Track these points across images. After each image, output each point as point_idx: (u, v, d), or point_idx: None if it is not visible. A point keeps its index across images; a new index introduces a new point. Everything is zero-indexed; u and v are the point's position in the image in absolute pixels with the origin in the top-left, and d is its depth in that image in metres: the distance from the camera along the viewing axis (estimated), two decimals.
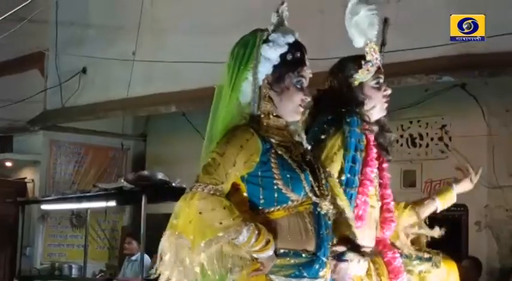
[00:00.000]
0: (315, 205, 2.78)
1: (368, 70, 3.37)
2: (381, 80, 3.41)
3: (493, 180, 7.38)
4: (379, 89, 3.41)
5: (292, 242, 2.72)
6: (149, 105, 8.78)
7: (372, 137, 3.42)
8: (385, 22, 2.84)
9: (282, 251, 2.69)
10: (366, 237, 3.34)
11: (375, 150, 3.42)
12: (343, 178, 3.24)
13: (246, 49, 2.80)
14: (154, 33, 8.67)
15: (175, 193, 8.26)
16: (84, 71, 9.50)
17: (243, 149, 2.72)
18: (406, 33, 6.30)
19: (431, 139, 7.98)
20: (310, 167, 2.82)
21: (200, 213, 2.61)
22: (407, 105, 7.61)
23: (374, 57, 3.37)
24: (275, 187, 2.73)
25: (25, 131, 10.13)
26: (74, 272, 9.38)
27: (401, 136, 7.93)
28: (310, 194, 2.77)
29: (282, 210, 2.73)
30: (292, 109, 2.85)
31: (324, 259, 2.77)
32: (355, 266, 3.20)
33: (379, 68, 3.40)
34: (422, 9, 6.73)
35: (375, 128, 3.42)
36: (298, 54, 2.83)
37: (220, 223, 2.58)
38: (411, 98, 7.57)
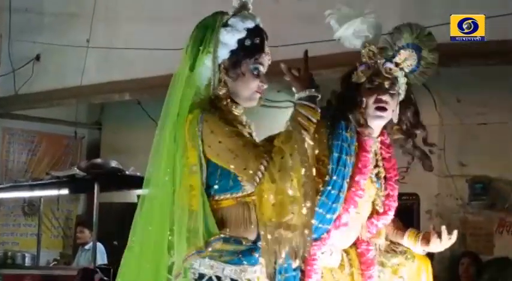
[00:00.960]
0: None
1: (362, 72, 3.34)
2: (376, 83, 3.31)
3: (443, 169, 7.49)
4: (371, 92, 3.31)
5: (234, 230, 2.70)
6: (103, 93, 8.73)
7: (370, 143, 3.36)
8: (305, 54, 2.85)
9: (222, 236, 2.67)
10: (346, 239, 3.39)
11: (370, 156, 3.35)
12: (327, 179, 3.20)
13: (206, 33, 2.77)
14: (108, 21, 8.60)
15: (129, 182, 8.37)
16: (37, 58, 9.39)
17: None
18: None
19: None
20: None
21: None
22: None
23: (371, 60, 3.34)
24: (231, 175, 2.70)
25: None
26: (27, 261, 9.29)
27: None
28: None
29: (230, 199, 2.72)
30: (248, 96, 2.83)
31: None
32: (328, 258, 3.25)
33: (377, 71, 3.33)
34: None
35: (371, 131, 3.33)
36: (257, 40, 2.79)
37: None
38: None
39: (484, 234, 7.40)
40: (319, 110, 2.68)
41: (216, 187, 2.72)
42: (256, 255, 2.75)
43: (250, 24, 2.79)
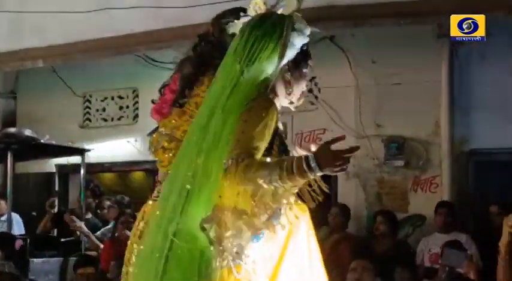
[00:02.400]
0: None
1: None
2: None
3: (360, 130, 7.60)
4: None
5: None
6: (16, 60, 8.50)
7: None
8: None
9: None
10: None
11: None
12: None
13: (275, 33, 2.87)
14: None
15: (44, 150, 8.22)
16: None
17: (273, 123, 2.82)
18: None
19: None
20: None
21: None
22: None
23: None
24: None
25: None
26: None
27: None
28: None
29: None
30: (297, 97, 3.03)
31: None
32: None
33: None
34: None
35: None
36: (307, 46, 2.99)
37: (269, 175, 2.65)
38: None
39: (400, 193, 7.53)
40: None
41: None
42: None
43: (308, 31, 2.96)
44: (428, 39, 7.37)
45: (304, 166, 2.61)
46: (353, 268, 5.42)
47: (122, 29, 7.51)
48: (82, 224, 7.80)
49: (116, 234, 7.25)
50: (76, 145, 8.46)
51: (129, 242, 3.48)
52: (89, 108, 9.65)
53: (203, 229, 2.73)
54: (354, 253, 6.60)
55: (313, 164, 2.60)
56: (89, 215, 8.51)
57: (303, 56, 2.98)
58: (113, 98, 9.51)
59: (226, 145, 2.76)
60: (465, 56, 7.45)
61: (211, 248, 2.74)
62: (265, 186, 2.65)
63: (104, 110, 9.56)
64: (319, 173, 2.65)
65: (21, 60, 8.49)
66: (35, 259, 7.50)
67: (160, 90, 3.55)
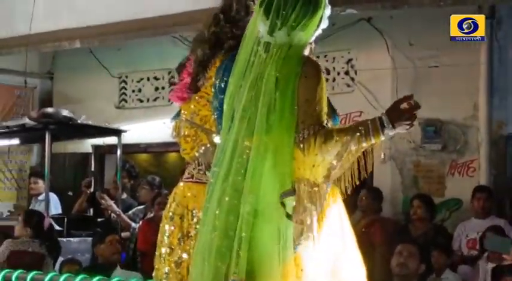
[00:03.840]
0: None
1: None
2: None
3: None
4: None
5: None
6: (53, 41, 8.55)
7: None
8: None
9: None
10: None
11: None
12: None
13: (317, 5, 2.83)
14: None
15: (81, 131, 8.29)
16: None
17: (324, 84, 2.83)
18: None
19: (338, 73, 8.05)
20: None
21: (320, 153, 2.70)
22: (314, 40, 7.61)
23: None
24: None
25: None
26: None
27: None
28: None
29: None
30: None
31: None
32: None
33: None
34: None
35: None
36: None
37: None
38: None
39: (436, 176, 7.46)
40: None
41: None
42: None
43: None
44: None
45: (379, 125, 2.70)
46: (398, 252, 5.37)
47: (159, 10, 7.51)
48: (112, 203, 7.85)
49: (152, 214, 7.29)
50: (112, 126, 8.49)
51: (161, 224, 3.48)
52: (125, 89, 9.70)
53: (282, 204, 2.72)
54: (389, 236, 6.59)
55: (386, 124, 2.70)
56: (124, 196, 8.56)
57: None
58: (148, 79, 9.54)
59: (292, 115, 2.74)
60: (505, 38, 7.34)
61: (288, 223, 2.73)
62: (352, 148, 2.70)
63: (139, 91, 9.60)
64: (393, 132, 2.75)
65: (58, 40, 8.54)
66: (71, 239, 7.58)
67: (177, 71, 3.51)
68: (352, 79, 7.89)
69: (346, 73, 7.99)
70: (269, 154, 2.73)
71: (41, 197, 8.42)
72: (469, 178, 7.31)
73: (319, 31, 2.87)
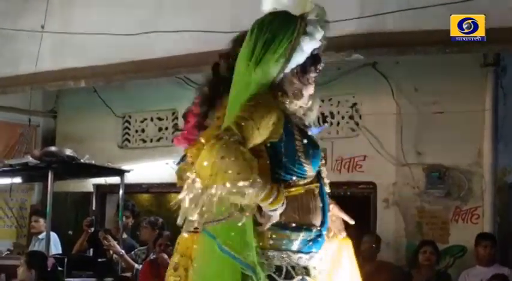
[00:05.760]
0: (321, 183, 2.92)
1: None
2: None
3: (400, 158, 7.50)
4: None
5: (304, 217, 2.81)
6: (58, 80, 8.56)
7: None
8: None
9: (294, 225, 2.78)
10: None
11: None
12: None
13: (285, 35, 2.79)
14: (63, 6, 8.43)
15: (84, 170, 8.23)
16: None
17: (269, 115, 2.74)
18: None
19: (342, 117, 8.05)
20: None
21: (222, 158, 2.55)
22: (319, 84, 7.60)
23: None
24: (297, 159, 2.79)
25: None
26: None
27: None
28: (320, 171, 2.93)
29: (299, 186, 2.81)
30: (304, 101, 2.95)
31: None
32: None
33: None
34: None
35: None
36: (320, 50, 2.92)
37: (238, 173, 2.55)
38: (323, 77, 7.55)
39: (440, 222, 7.40)
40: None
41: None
42: (321, 241, 2.90)
43: (320, 35, 2.86)
44: (472, 68, 7.29)
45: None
46: None
47: (163, 51, 7.53)
48: (115, 244, 7.78)
49: (154, 256, 7.22)
50: (116, 166, 8.46)
51: (166, 273, 3.41)
52: (128, 128, 9.70)
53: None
54: None
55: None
56: (125, 236, 8.49)
57: (312, 61, 2.90)
58: (152, 119, 9.54)
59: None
60: (509, 85, 7.36)
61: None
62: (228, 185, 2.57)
63: (143, 131, 9.60)
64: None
65: (64, 79, 8.55)
66: (72, 279, 7.49)
67: (183, 117, 3.50)
68: (357, 123, 7.89)
69: (351, 117, 7.98)
70: None
71: (41, 236, 8.36)
72: (473, 225, 7.25)
73: (295, 62, 2.83)
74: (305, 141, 2.86)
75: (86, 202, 9.80)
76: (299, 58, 2.83)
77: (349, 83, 7.74)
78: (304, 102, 2.97)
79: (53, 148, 7.96)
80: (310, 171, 2.85)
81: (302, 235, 2.81)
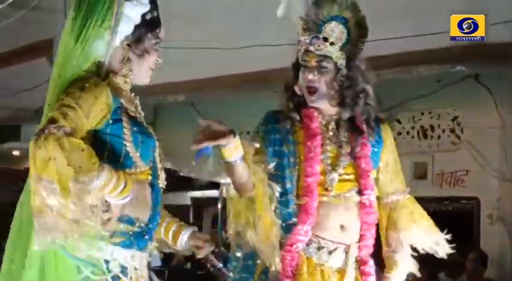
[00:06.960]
0: (155, 176, 2.74)
1: (298, 51, 3.25)
2: (305, 62, 3.21)
3: (505, 172, 7.29)
4: (302, 72, 3.22)
5: (130, 209, 2.55)
6: (157, 93, 8.69)
7: (315, 124, 3.22)
8: None
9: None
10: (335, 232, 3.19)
11: (318, 138, 3.20)
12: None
13: (104, 4, 2.55)
14: (163, 21, 8.55)
15: (183, 183, 8.25)
16: None
17: (98, 101, 2.50)
18: (417, 21, 6.25)
19: (443, 131, 7.88)
20: None
21: (64, 152, 2.28)
22: (419, 96, 7.51)
23: (303, 38, 3.22)
24: (123, 149, 2.59)
25: (33, 120, 10.02)
26: None
27: (413, 128, 7.86)
28: (155, 164, 2.73)
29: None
30: (146, 72, 2.75)
31: (153, 233, 2.68)
32: (325, 256, 3.15)
33: (306, 49, 3.20)
34: None
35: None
36: (156, 13, 2.70)
37: (80, 167, 2.29)
38: (423, 89, 7.47)
39: None
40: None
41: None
42: (147, 237, 2.65)
43: None
44: None
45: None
46: None
47: (263, 65, 7.54)
48: (213, 257, 7.80)
49: None
50: (214, 179, 8.52)
51: None
52: None
53: None
54: None
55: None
56: (222, 248, 8.52)
57: (147, 27, 2.67)
58: (248, 133, 9.54)
59: None
60: None
61: None
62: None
63: None
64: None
65: (163, 93, 8.67)
66: None
67: None
68: (458, 137, 7.71)
69: (452, 131, 7.80)
70: None
71: None
72: None
73: (123, 34, 2.61)
74: (135, 129, 2.64)
75: (183, 214, 9.89)
76: (125, 27, 2.60)
77: (450, 96, 7.58)
78: (142, 80, 2.78)
79: None
80: (138, 161, 2.62)
81: (122, 226, 2.56)
